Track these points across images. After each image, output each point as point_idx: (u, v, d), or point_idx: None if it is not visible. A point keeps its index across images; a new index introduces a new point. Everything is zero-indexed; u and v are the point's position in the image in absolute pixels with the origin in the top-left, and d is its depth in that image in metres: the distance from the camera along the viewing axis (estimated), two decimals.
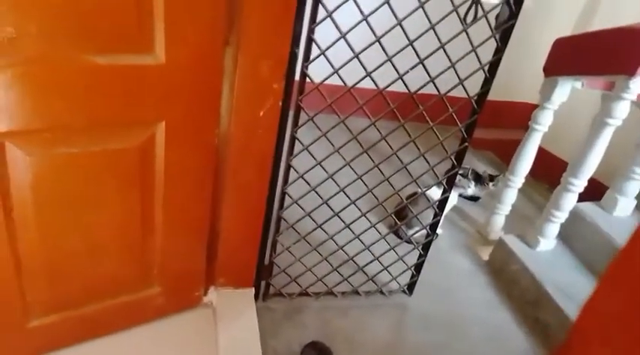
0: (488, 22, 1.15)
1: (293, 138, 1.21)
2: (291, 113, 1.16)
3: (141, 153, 0.99)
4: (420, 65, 1.17)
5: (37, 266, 0.99)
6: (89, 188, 0.96)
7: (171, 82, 0.95)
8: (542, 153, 1.91)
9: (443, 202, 1.47)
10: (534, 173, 1.94)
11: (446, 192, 1.44)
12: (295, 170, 1.26)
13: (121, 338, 1.20)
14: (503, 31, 1.19)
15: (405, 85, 1.19)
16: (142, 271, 1.16)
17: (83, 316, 1.12)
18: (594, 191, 1.81)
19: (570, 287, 1.63)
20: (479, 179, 2.22)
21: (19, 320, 1.03)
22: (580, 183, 1.66)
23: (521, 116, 3.15)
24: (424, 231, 1.55)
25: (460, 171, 1.92)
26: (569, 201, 1.70)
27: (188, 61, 0.95)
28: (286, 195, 1.30)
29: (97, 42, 0.83)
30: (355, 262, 1.48)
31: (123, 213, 1.04)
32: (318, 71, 1.11)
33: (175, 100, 0.98)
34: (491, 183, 2.20)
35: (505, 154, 2.91)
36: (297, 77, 1.11)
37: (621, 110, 1.49)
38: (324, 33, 1.08)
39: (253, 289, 1.40)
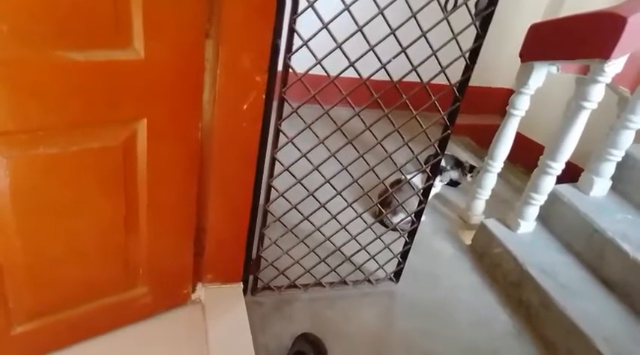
0: (468, 9, 1.16)
1: (277, 131, 1.20)
2: (274, 105, 1.15)
3: (123, 152, 0.97)
4: (403, 54, 1.17)
5: (19, 272, 0.96)
6: (70, 189, 0.93)
7: (152, 78, 0.92)
8: (517, 136, 1.94)
9: (427, 189, 1.48)
10: (510, 156, 1.98)
11: (430, 179, 1.45)
12: (280, 163, 1.24)
13: (110, 339, 1.18)
14: (483, 19, 1.19)
15: (388, 73, 1.18)
16: (128, 271, 1.14)
17: (69, 320, 1.09)
18: (570, 173, 1.85)
19: (551, 267, 1.68)
20: (460, 165, 2.24)
21: (2, 328, 1.00)
22: (558, 166, 1.70)
23: (496, 101, 3.21)
24: (409, 218, 1.57)
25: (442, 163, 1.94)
26: (547, 183, 1.75)
27: (168, 56, 0.92)
28: (272, 188, 1.29)
29: (72, 38, 0.80)
30: (342, 252, 1.49)
31: (106, 214, 1.02)
32: (300, 60, 1.10)
33: (156, 96, 0.95)
34: (469, 174, 2.22)
35: (482, 139, 2.96)
36: (279, 68, 1.10)
37: (596, 93, 1.53)
38: (306, 23, 1.07)
39: (242, 284, 1.39)
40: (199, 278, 1.33)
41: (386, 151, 1.32)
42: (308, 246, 1.44)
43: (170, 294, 1.28)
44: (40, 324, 1.06)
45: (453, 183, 2.39)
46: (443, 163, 2.05)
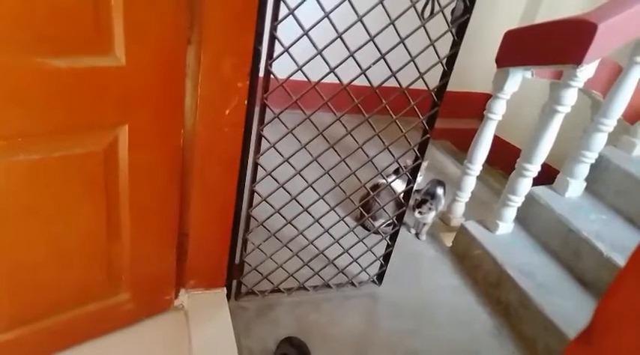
0: (444, 16, 1.19)
1: (259, 136, 1.21)
2: (256, 110, 1.16)
3: (104, 158, 0.96)
4: (382, 60, 1.19)
5: None
6: (52, 195, 0.93)
7: (133, 84, 0.92)
8: (494, 140, 1.99)
9: (408, 193, 1.50)
10: (488, 159, 2.02)
11: (410, 183, 1.47)
12: (263, 167, 1.25)
13: (92, 347, 1.17)
14: (459, 26, 1.23)
15: (368, 79, 1.21)
16: (110, 278, 1.13)
17: (50, 328, 1.08)
18: (546, 174, 1.90)
19: (528, 266, 1.72)
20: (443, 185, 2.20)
21: None
22: (534, 168, 1.74)
23: (475, 105, 3.27)
24: (390, 221, 1.59)
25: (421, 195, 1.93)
26: (524, 185, 1.79)
27: (149, 62, 0.92)
28: (255, 193, 1.30)
29: (53, 44, 0.80)
30: (325, 256, 1.50)
31: (88, 220, 1.01)
32: (281, 66, 1.11)
33: (138, 102, 0.95)
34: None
35: (462, 143, 3.01)
36: (261, 74, 1.11)
37: (570, 97, 1.58)
38: (287, 29, 1.08)
39: (225, 289, 1.39)
40: (182, 284, 1.33)
41: (367, 155, 1.34)
42: (291, 250, 1.45)
43: (153, 301, 1.27)
44: (21, 333, 1.04)
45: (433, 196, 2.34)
46: (434, 192, 2.00)
